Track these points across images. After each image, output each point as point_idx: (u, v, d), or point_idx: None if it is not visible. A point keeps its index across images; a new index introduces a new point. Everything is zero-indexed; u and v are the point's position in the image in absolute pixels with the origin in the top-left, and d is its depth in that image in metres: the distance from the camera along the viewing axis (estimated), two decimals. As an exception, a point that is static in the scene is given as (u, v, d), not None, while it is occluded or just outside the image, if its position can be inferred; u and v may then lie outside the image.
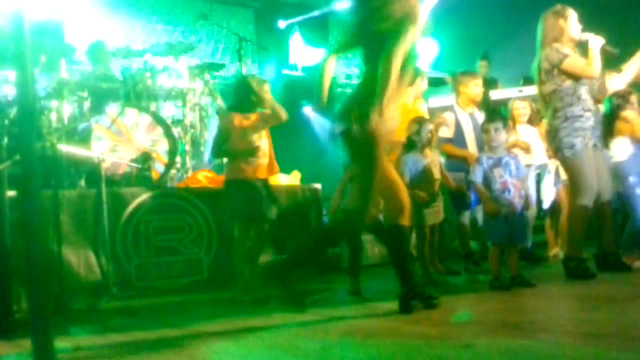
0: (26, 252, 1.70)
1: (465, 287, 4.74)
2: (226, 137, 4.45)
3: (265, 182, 4.48)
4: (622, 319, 2.98)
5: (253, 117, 4.45)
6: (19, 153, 1.64)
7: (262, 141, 4.44)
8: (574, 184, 4.47)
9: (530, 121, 5.79)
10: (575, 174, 4.44)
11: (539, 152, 5.73)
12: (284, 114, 4.41)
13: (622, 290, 3.88)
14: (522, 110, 5.76)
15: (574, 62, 4.40)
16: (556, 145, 4.47)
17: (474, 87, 5.54)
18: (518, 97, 6.14)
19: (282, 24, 10.00)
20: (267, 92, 4.44)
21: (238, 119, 4.42)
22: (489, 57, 7.74)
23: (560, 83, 4.43)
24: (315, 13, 9.96)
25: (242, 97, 4.47)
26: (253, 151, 4.38)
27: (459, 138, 5.46)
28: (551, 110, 4.47)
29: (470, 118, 5.51)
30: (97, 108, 5.75)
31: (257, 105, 4.45)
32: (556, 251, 5.89)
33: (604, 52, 4.47)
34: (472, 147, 5.41)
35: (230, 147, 4.44)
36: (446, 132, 5.47)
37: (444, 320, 3.29)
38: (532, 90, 5.80)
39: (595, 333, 2.69)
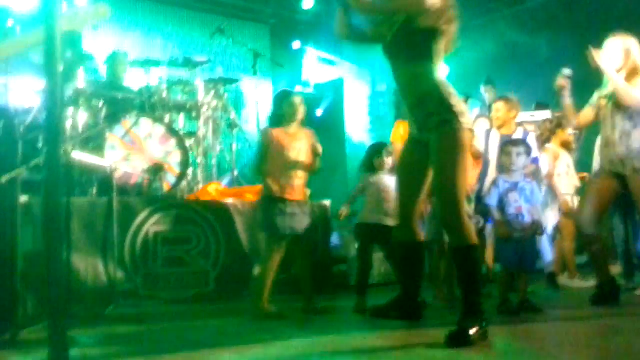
0: (46, 259, 1.71)
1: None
2: (265, 154, 4.20)
3: (299, 202, 4.23)
4: (627, 348, 2.96)
5: (292, 132, 4.24)
6: (44, 160, 1.66)
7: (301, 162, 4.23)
8: None
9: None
10: None
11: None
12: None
13: (629, 320, 3.88)
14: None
15: None
16: None
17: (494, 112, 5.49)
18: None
19: (296, 44, 10.07)
20: (301, 111, 4.26)
21: (276, 133, 4.22)
22: (493, 82, 7.71)
23: None
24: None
25: (280, 110, 4.27)
26: (288, 169, 4.17)
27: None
28: None
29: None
30: (112, 117, 5.80)
31: (292, 120, 4.25)
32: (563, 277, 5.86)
33: None
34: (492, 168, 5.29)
35: (268, 163, 4.20)
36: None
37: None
38: (545, 114, 5.83)
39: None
